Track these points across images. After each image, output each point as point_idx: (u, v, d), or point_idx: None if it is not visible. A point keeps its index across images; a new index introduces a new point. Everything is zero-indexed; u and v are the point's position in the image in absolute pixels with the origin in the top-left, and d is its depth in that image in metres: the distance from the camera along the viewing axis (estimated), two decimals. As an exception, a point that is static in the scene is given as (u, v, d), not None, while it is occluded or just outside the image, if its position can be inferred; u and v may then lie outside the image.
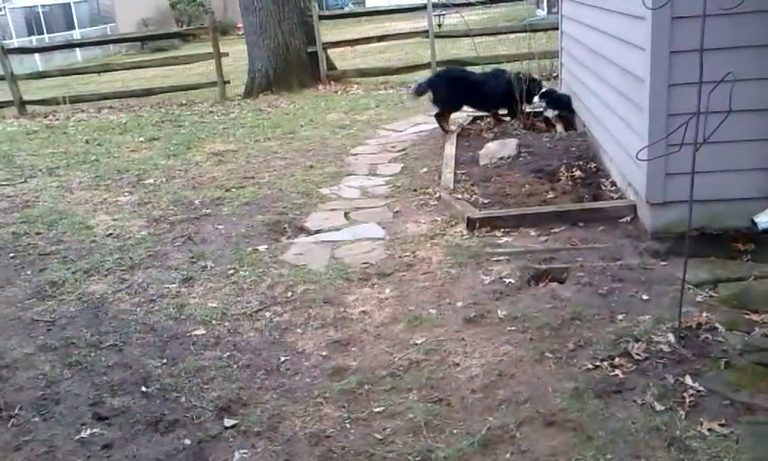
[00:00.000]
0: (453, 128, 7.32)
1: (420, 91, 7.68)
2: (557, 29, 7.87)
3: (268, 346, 3.48)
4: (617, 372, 2.88)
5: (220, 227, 5.23)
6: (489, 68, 8.05)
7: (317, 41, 11.62)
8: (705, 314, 3.19)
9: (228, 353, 3.43)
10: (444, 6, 13.94)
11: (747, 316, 3.19)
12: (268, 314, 3.81)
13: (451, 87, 7.32)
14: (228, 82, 11.62)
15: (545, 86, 7.29)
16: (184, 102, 11.41)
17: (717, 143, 3.08)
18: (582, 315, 3.34)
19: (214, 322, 3.76)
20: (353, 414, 2.86)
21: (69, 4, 30.73)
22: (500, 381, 2.95)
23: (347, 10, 29.16)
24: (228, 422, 2.88)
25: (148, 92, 12.08)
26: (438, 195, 5.35)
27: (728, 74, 2.76)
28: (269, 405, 2.98)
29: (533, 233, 4.42)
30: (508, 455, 2.51)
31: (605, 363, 2.95)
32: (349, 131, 8.30)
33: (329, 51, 12.16)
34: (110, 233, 5.26)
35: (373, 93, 10.80)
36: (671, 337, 3.04)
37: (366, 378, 3.08)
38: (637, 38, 4.09)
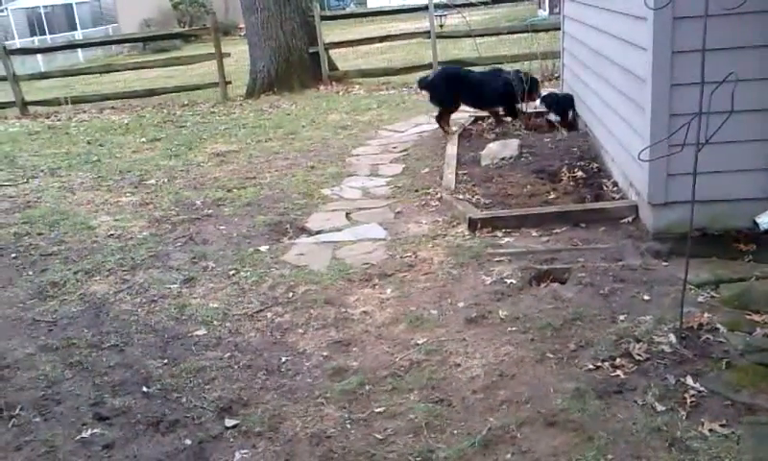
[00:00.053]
0: (454, 129, 7.33)
1: (422, 85, 7.76)
2: (558, 29, 7.86)
3: (269, 346, 3.48)
4: (618, 372, 2.88)
5: (221, 227, 5.23)
6: (489, 69, 8.06)
7: (318, 42, 11.62)
8: (706, 315, 3.19)
9: (229, 354, 3.43)
10: (446, 6, 13.94)
11: (748, 317, 3.18)
12: (269, 314, 3.81)
13: (448, 86, 7.33)
14: (230, 82, 11.63)
15: (546, 88, 7.28)
16: (186, 102, 11.42)
17: (719, 144, 3.06)
18: (583, 315, 3.34)
19: (215, 322, 3.77)
20: (354, 414, 2.86)
21: (71, 4, 30.81)
22: (501, 382, 2.94)
23: (348, 10, 29.18)
24: (228, 422, 2.88)
25: (150, 93, 12.10)
26: (439, 195, 5.35)
27: (730, 74, 2.76)
28: (270, 406, 2.98)
29: (534, 234, 4.42)
30: (509, 456, 2.51)
31: (606, 363, 2.95)
32: (351, 131, 8.30)
33: (331, 51, 12.17)
34: (112, 234, 5.27)
35: (375, 94, 10.80)
36: (672, 338, 3.04)
37: (367, 379, 3.08)
38: (639, 39, 4.08)
